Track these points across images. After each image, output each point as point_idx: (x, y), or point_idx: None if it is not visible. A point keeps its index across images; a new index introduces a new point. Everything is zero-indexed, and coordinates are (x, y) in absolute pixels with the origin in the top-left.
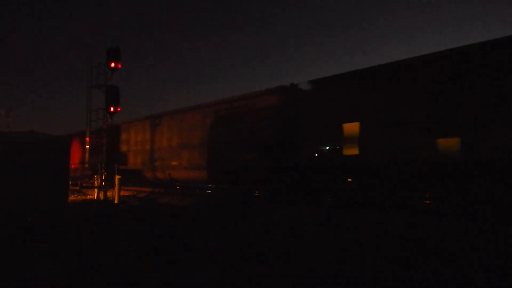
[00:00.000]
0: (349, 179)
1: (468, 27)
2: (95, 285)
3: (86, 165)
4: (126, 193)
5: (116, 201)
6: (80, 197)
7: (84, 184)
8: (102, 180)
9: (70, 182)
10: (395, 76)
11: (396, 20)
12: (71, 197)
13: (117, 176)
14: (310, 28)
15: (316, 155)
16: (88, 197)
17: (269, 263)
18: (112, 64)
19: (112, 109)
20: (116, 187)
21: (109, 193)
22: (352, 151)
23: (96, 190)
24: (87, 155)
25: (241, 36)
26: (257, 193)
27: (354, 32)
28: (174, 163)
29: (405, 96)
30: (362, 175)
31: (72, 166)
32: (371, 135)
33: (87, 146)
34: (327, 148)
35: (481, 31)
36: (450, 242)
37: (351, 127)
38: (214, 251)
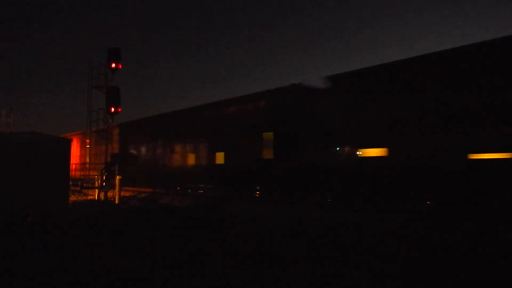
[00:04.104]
0: None
1: (467, 28)
2: (94, 284)
3: (87, 166)
4: (127, 194)
5: (116, 202)
6: (80, 198)
7: (84, 185)
8: (102, 181)
9: (70, 183)
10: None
11: (399, 21)
12: (72, 198)
13: (117, 177)
14: (312, 29)
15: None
16: (89, 197)
17: None
18: (113, 65)
19: (112, 109)
20: (117, 188)
21: (109, 194)
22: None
23: (96, 190)
24: (87, 155)
25: (243, 36)
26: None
27: (360, 32)
28: None
29: None
30: None
31: (73, 167)
32: None
33: (88, 146)
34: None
35: (482, 32)
36: None
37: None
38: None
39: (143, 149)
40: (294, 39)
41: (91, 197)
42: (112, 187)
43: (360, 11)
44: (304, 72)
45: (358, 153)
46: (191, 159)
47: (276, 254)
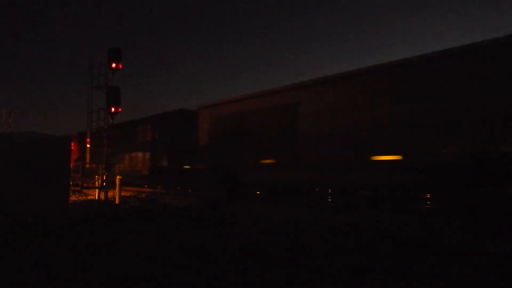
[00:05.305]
0: None
1: (470, 27)
2: (94, 285)
3: (87, 166)
4: (127, 194)
5: (117, 202)
6: (81, 198)
7: (85, 185)
8: (103, 181)
9: (71, 183)
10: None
11: (404, 20)
12: (72, 198)
13: (118, 177)
14: (315, 28)
15: None
16: (89, 197)
17: None
18: (113, 65)
19: (113, 109)
20: (117, 188)
21: (110, 194)
22: None
23: (97, 190)
24: (88, 155)
25: (245, 35)
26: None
27: (365, 32)
28: None
29: None
30: None
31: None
32: None
33: (88, 146)
34: None
35: (482, 31)
36: None
37: None
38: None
39: None
40: (299, 39)
41: (91, 197)
42: (112, 187)
43: (361, 12)
44: (311, 71)
45: None
46: None
47: None
